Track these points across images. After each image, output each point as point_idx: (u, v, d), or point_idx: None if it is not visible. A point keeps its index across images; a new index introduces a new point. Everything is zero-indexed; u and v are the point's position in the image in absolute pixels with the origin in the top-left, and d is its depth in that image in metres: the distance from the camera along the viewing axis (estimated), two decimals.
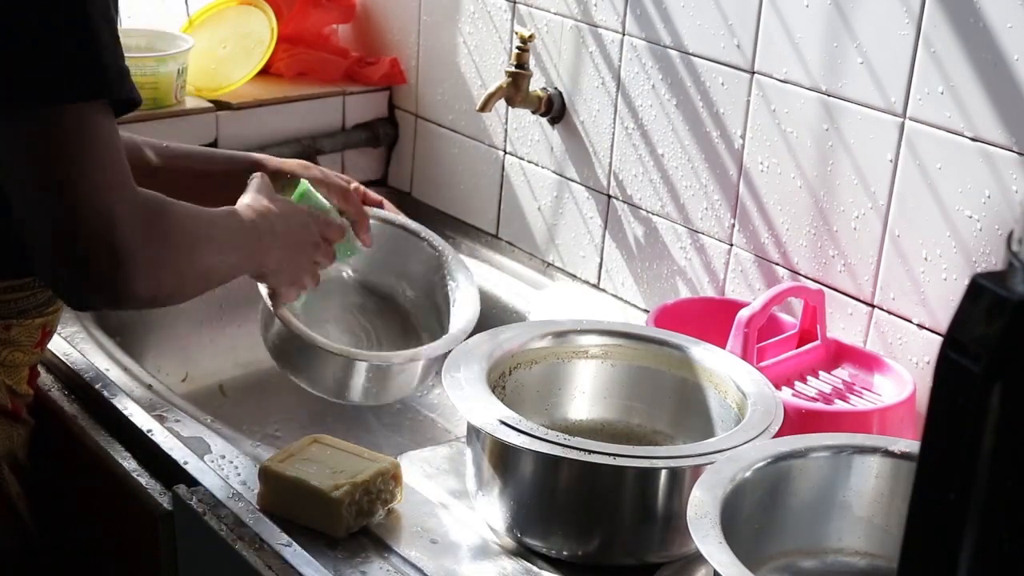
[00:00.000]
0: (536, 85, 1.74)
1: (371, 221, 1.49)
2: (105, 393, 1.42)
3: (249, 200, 1.30)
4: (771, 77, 1.48)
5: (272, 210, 1.30)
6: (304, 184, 1.42)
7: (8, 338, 1.28)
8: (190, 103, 1.87)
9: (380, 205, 1.53)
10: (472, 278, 1.51)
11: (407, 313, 1.57)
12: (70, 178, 1.07)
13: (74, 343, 1.51)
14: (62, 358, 1.47)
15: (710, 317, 1.51)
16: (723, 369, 1.28)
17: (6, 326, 1.27)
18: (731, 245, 1.58)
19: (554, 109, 1.75)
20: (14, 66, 1.05)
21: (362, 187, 1.51)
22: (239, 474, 1.26)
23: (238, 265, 1.26)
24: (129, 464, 1.35)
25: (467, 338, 1.36)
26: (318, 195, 1.43)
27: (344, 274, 1.57)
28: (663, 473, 1.14)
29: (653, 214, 1.66)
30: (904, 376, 1.38)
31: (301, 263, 1.35)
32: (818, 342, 1.44)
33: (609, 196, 1.72)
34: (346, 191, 1.46)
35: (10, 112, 1.07)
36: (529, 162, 1.83)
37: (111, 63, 1.09)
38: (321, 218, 1.38)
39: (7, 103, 1.07)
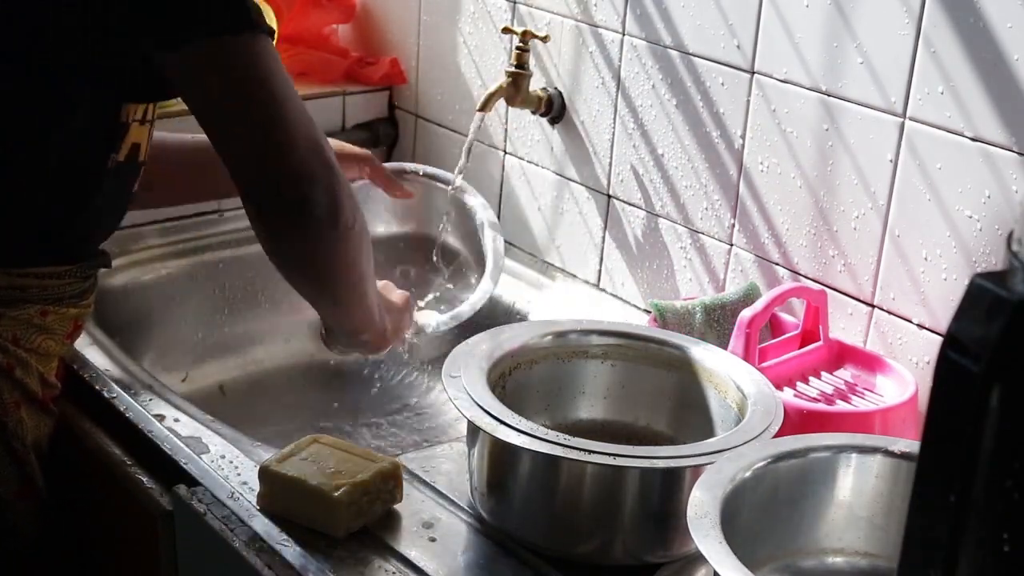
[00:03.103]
0: (536, 85, 1.74)
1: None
2: (105, 393, 1.42)
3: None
4: (771, 77, 1.48)
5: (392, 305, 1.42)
6: None
7: (44, 324, 1.31)
8: None
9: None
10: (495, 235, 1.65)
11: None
12: (275, 110, 1.14)
13: (75, 343, 1.51)
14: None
15: None
16: (723, 369, 1.28)
17: (43, 312, 1.31)
18: (731, 245, 1.58)
19: (554, 109, 1.75)
20: (192, 4, 1.14)
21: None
22: (239, 474, 1.26)
23: (358, 302, 1.31)
24: (129, 464, 1.35)
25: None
26: None
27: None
28: (663, 473, 1.14)
29: (653, 214, 1.66)
30: (906, 377, 1.38)
31: (378, 344, 1.43)
32: (820, 343, 1.44)
33: (609, 196, 1.72)
34: (368, 160, 1.60)
35: (198, 46, 1.14)
36: (529, 162, 1.83)
37: (256, 5, 1.18)
38: (407, 314, 1.47)
39: (196, 36, 1.14)
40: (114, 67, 1.22)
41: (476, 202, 1.69)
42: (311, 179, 1.14)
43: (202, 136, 1.22)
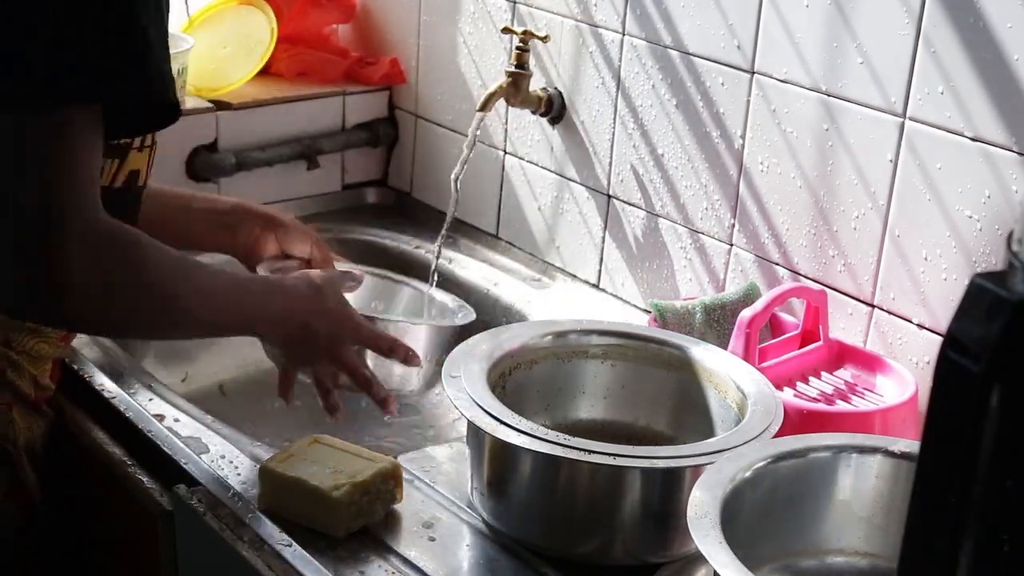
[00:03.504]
0: (536, 85, 1.74)
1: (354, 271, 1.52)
2: (105, 393, 1.42)
3: (271, 274, 1.36)
4: (771, 77, 1.48)
5: (286, 285, 1.30)
6: None
7: (37, 327, 1.31)
8: (190, 103, 1.87)
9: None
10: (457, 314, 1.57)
11: None
12: (37, 187, 1.05)
13: (74, 343, 1.51)
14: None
15: None
16: (723, 369, 1.28)
17: None
18: (731, 245, 1.58)
19: (554, 109, 1.75)
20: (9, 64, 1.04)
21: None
22: (239, 474, 1.26)
23: (220, 313, 1.24)
24: (129, 464, 1.35)
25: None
26: None
27: None
28: (663, 473, 1.14)
29: (653, 214, 1.66)
30: (906, 377, 1.38)
31: (313, 350, 1.32)
32: (820, 343, 1.44)
33: (609, 196, 1.72)
34: (315, 239, 1.50)
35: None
36: (529, 162, 1.83)
37: (104, 64, 1.06)
38: (365, 323, 1.35)
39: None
40: None
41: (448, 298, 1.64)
42: (31, 303, 1.10)
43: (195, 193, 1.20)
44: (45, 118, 1.06)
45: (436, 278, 1.67)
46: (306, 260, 1.50)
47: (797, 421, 1.27)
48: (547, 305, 1.74)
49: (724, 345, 1.38)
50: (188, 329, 1.28)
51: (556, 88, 1.75)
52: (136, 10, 1.07)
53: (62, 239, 1.06)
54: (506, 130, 1.85)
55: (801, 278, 1.50)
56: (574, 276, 1.79)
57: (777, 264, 1.52)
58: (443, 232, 1.70)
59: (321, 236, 1.57)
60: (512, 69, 1.70)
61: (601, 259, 1.75)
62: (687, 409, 1.32)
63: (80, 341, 1.48)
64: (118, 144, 1.26)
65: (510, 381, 1.29)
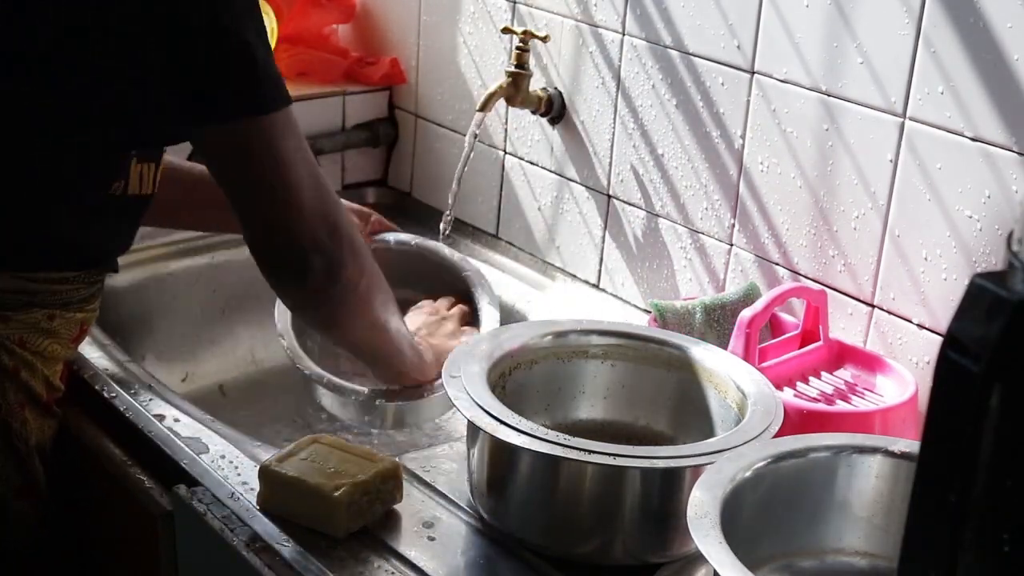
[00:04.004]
0: (536, 85, 1.74)
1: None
2: (105, 393, 1.42)
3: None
4: (771, 77, 1.48)
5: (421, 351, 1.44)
6: None
7: (51, 328, 1.33)
8: None
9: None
10: (496, 301, 1.59)
11: None
12: (285, 188, 1.19)
13: None
14: None
15: None
16: (723, 369, 1.28)
17: (50, 316, 1.32)
18: (731, 245, 1.58)
19: (554, 109, 1.75)
20: (218, 84, 1.18)
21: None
22: (239, 474, 1.26)
23: (388, 349, 1.37)
24: (129, 464, 1.35)
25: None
26: None
27: None
28: (663, 473, 1.14)
29: (653, 214, 1.66)
30: (906, 377, 1.38)
31: (418, 377, 1.46)
32: (820, 343, 1.44)
33: (609, 196, 1.72)
34: (366, 217, 1.65)
35: (222, 127, 1.19)
36: (529, 162, 1.83)
37: (278, 76, 1.22)
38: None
39: (219, 119, 1.18)
40: (134, 129, 1.27)
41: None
42: (313, 249, 1.20)
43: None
44: (280, 116, 1.21)
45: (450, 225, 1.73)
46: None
47: (797, 421, 1.27)
48: (547, 305, 1.74)
49: (724, 345, 1.38)
50: (376, 349, 1.38)
51: (556, 88, 1.75)
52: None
53: (337, 216, 1.23)
54: (506, 130, 1.85)
55: (801, 278, 1.50)
56: (574, 276, 1.79)
57: (777, 264, 1.52)
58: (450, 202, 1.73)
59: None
60: (512, 69, 1.70)
61: (601, 259, 1.75)
62: (687, 409, 1.32)
63: (82, 343, 1.48)
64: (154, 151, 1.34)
65: (510, 381, 1.30)
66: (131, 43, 1.17)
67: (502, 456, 1.18)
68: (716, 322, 1.48)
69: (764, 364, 1.38)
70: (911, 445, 1.12)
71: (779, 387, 1.36)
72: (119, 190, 1.31)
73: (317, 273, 1.21)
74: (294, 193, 1.19)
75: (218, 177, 1.23)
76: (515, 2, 1.79)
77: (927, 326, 1.38)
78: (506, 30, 1.73)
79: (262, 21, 1.22)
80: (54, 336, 1.34)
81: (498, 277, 1.82)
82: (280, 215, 1.20)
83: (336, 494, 1.15)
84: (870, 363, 1.42)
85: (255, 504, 1.20)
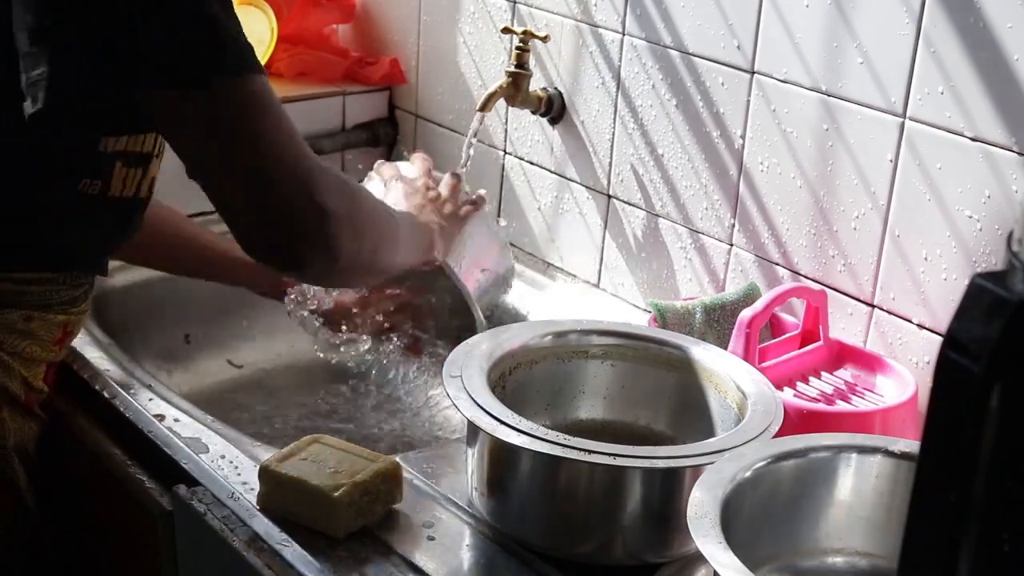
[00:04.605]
0: (536, 85, 1.74)
1: None
2: (105, 393, 1.42)
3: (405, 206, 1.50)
4: (771, 77, 1.48)
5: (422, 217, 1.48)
6: None
7: (28, 330, 1.30)
8: None
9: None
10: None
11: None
12: (262, 152, 1.13)
13: (74, 343, 1.51)
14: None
15: None
16: (723, 369, 1.28)
17: (27, 317, 1.30)
18: (731, 245, 1.58)
19: (554, 109, 1.75)
20: (175, 51, 1.11)
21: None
22: (239, 474, 1.26)
23: (406, 258, 1.40)
24: (129, 464, 1.35)
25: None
26: None
27: None
28: (663, 473, 1.14)
29: (653, 214, 1.66)
30: (907, 377, 1.38)
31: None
32: (820, 343, 1.44)
33: (609, 196, 1.72)
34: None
35: (185, 96, 1.12)
36: (529, 162, 1.83)
37: (247, 44, 1.15)
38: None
39: (180, 86, 1.12)
40: (96, 101, 1.20)
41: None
42: (304, 242, 1.16)
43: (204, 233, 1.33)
44: (251, 80, 1.14)
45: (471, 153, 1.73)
46: None
47: (797, 421, 1.27)
48: (547, 305, 1.74)
49: (724, 345, 1.38)
50: (395, 259, 1.37)
51: (556, 88, 1.75)
52: None
53: (311, 171, 1.15)
54: (506, 130, 1.85)
55: (801, 278, 1.50)
56: (574, 276, 1.79)
57: (777, 264, 1.52)
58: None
59: None
60: (512, 69, 1.70)
61: (601, 259, 1.75)
62: (687, 409, 1.32)
63: (80, 341, 1.48)
64: (142, 154, 1.28)
65: (510, 381, 1.30)
66: (89, 13, 1.11)
67: (502, 456, 1.18)
68: (716, 322, 1.48)
69: (764, 364, 1.38)
70: (911, 445, 1.12)
71: (779, 387, 1.36)
72: (95, 190, 1.25)
73: (315, 263, 1.17)
74: (276, 174, 1.13)
75: (187, 154, 1.16)
76: (515, 2, 1.79)
77: (927, 326, 1.38)
78: (506, 30, 1.73)
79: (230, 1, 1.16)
80: (32, 337, 1.31)
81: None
82: (265, 205, 1.14)
83: (336, 494, 1.15)
84: (870, 363, 1.42)
85: (255, 504, 1.20)
